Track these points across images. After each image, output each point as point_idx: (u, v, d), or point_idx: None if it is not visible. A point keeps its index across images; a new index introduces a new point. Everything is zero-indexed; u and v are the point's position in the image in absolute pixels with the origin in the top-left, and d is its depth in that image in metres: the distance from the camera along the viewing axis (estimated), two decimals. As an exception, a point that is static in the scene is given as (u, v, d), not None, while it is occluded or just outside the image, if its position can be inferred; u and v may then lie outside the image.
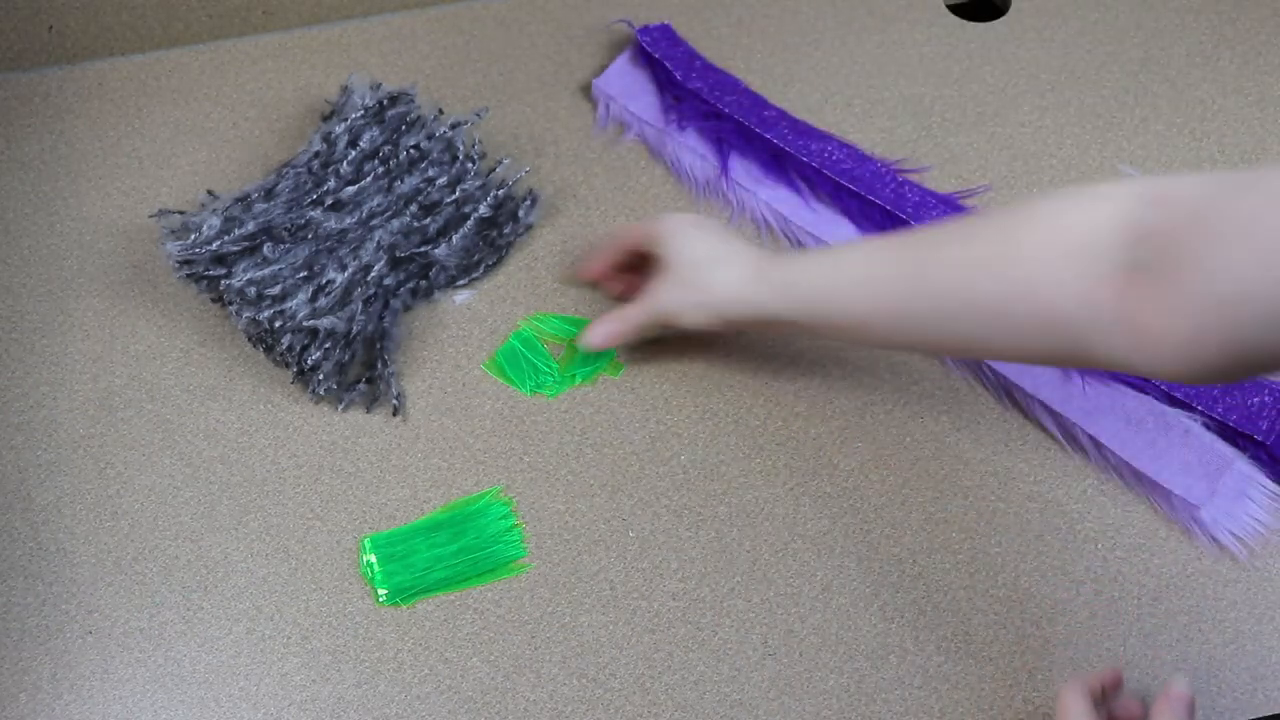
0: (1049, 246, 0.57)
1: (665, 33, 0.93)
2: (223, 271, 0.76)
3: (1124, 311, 0.54)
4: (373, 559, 0.72)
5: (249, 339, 0.79)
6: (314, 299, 0.75)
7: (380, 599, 0.71)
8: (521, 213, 0.84)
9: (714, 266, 0.73)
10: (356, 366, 0.79)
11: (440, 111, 0.87)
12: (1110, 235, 0.55)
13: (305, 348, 0.76)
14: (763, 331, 0.78)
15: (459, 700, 0.68)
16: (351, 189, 0.80)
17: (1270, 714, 0.67)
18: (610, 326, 0.77)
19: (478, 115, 0.85)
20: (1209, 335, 0.50)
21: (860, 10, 0.97)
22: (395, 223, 0.80)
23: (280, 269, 0.76)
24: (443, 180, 0.82)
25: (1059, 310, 0.57)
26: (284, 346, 0.76)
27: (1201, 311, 0.50)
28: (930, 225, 0.66)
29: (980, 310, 0.60)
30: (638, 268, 0.79)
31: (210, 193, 0.84)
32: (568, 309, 0.82)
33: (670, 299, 0.74)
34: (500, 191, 0.83)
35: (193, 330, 0.81)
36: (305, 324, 0.74)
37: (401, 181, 0.81)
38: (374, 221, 0.80)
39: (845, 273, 0.67)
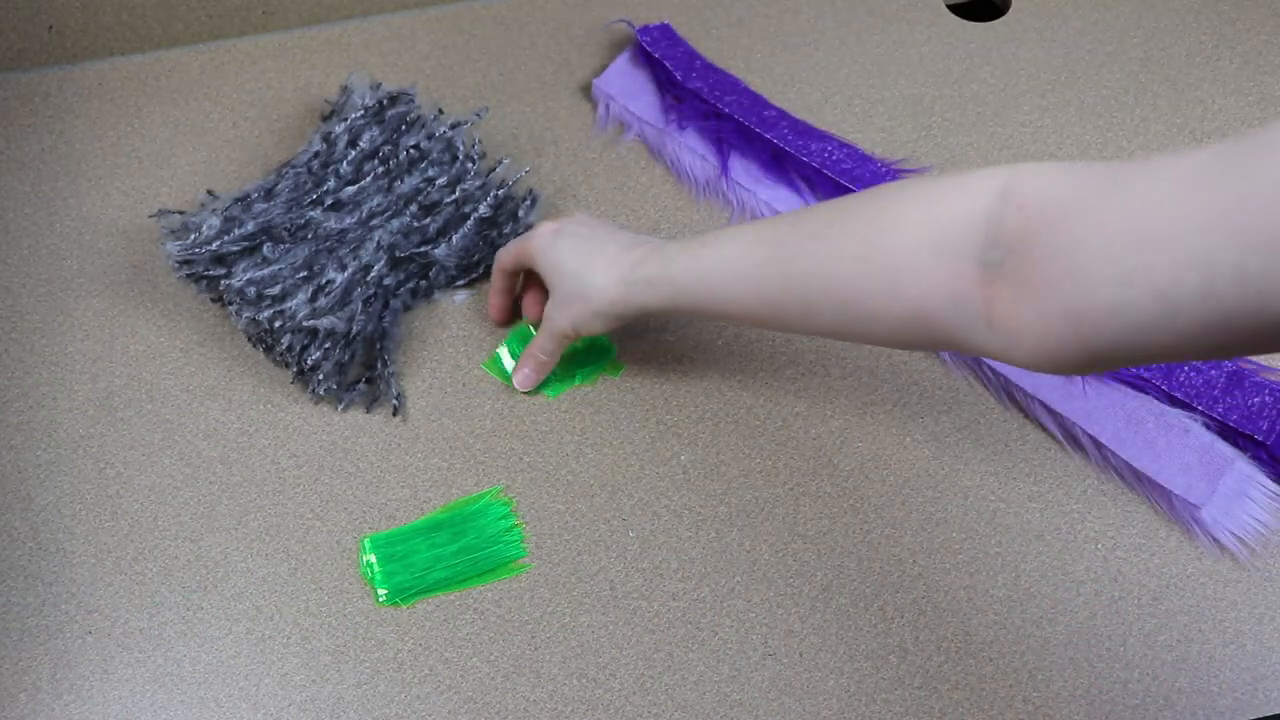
0: (914, 239, 0.57)
1: (665, 32, 0.93)
2: (222, 271, 0.76)
3: (985, 308, 0.54)
4: (372, 559, 0.72)
5: (249, 339, 0.79)
6: (314, 299, 0.75)
7: (380, 599, 0.71)
8: (521, 213, 0.84)
9: (587, 274, 0.72)
10: (356, 366, 0.79)
11: (440, 111, 0.87)
12: (972, 231, 0.54)
13: (305, 348, 0.76)
14: (665, 316, 0.79)
15: (459, 700, 0.68)
16: (351, 189, 0.80)
17: (1271, 714, 0.67)
18: (529, 367, 0.77)
19: (478, 115, 0.85)
20: (1065, 338, 0.50)
21: (860, 10, 0.97)
22: (395, 223, 0.80)
23: (280, 269, 0.76)
24: (443, 180, 0.82)
25: (924, 304, 0.56)
26: (284, 346, 0.76)
27: (1054, 317, 0.50)
28: (805, 209, 0.65)
29: (847, 304, 0.60)
30: (539, 282, 0.80)
31: (210, 193, 0.84)
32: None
33: (564, 317, 0.73)
34: (500, 191, 0.83)
35: (192, 330, 0.81)
36: (305, 324, 0.74)
37: (401, 181, 0.81)
38: (374, 221, 0.80)
39: (714, 266, 0.67)
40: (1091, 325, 0.49)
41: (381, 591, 0.71)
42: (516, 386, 0.78)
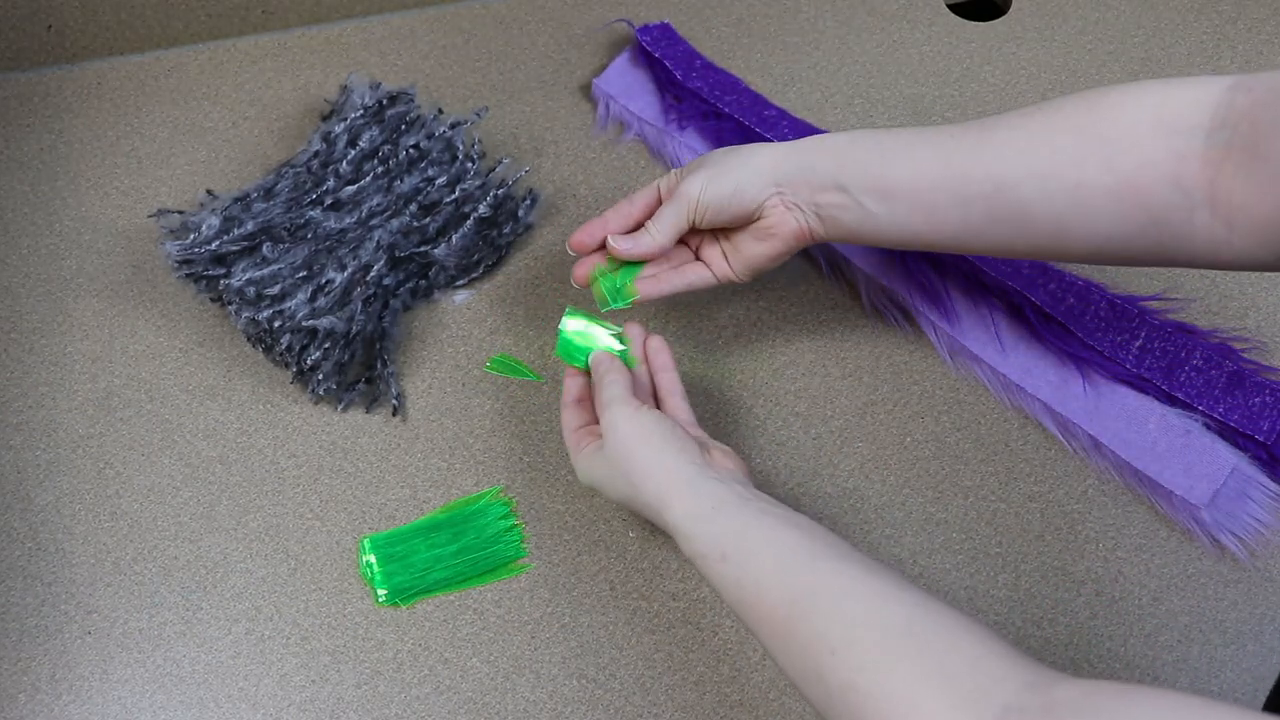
0: (1135, 118, 0.56)
1: (665, 32, 0.93)
2: (222, 271, 0.76)
3: (1210, 189, 0.54)
4: (372, 559, 0.72)
5: (248, 339, 0.79)
6: (313, 299, 0.75)
7: (379, 599, 0.71)
8: (521, 212, 0.84)
9: (751, 149, 0.68)
10: (356, 366, 0.79)
11: (440, 111, 0.87)
12: (1197, 116, 0.55)
13: (305, 348, 0.76)
14: (802, 206, 0.67)
15: (459, 700, 0.68)
16: (351, 189, 0.80)
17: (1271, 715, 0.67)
18: (641, 238, 0.70)
19: (477, 115, 0.85)
20: None
21: (860, 10, 0.97)
22: (395, 222, 0.80)
23: (279, 269, 0.76)
24: (442, 180, 0.82)
25: (1140, 180, 0.56)
26: (283, 346, 0.76)
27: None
28: (999, 116, 0.62)
29: (1049, 177, 0.58)
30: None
31: (209, 192, 0.84)
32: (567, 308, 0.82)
33: (708, 181, 0.67)
34: (500, 191, 0.83)
35: (192, 330, 0.81)
36: (304, 324, 0.74)
37: (401, 181, 0.81)
38: (373, 221, 0.79)
39: (908, 144, 0.63)
40: None
41: (381, 592, 0.71)
42: (615, 248, 0.70)
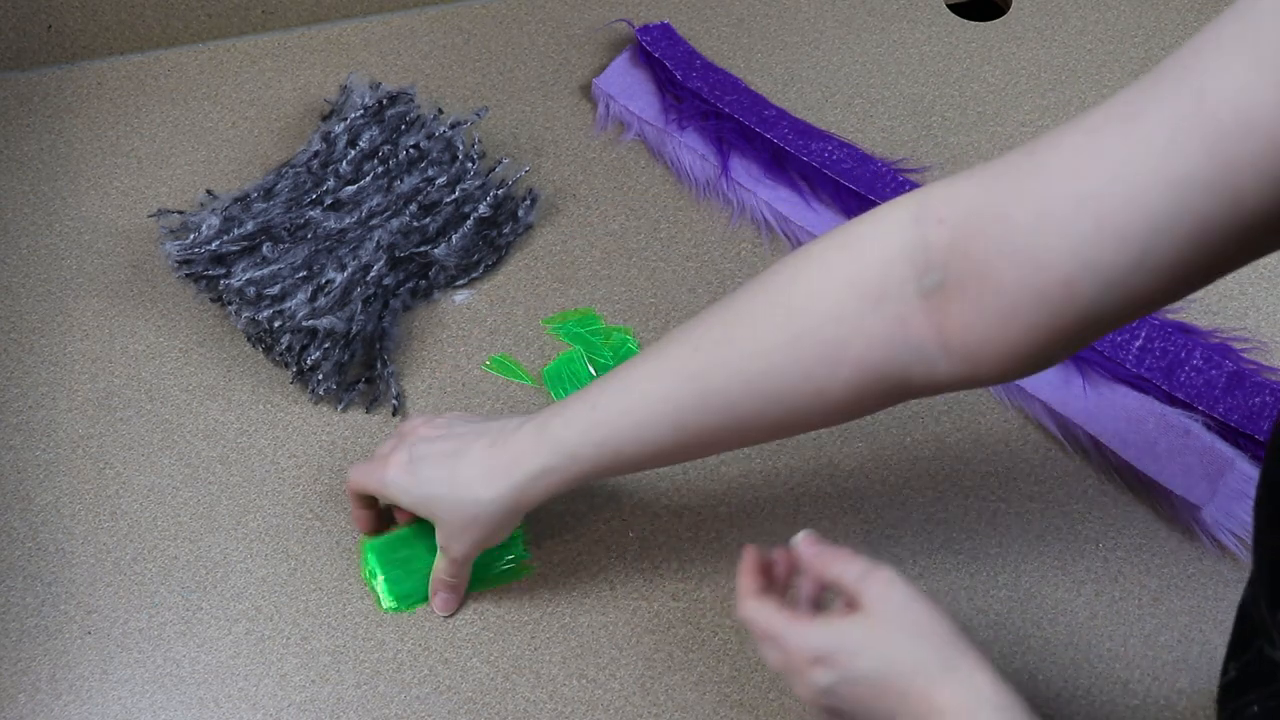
0: (838, 303, 0.53)
1: (665, 32, 0.93)
2: (222, 271, 0.76)
3: (937, 336, 0.51)
4: (375, 569, 0.71)
5: (248, 339, 0.79)
6: (313, 299, 0.75)
7: (384, 607, 0.71)
8: (521, 212, 0.84)
9: (467, 495, 0.63)
10: (356, 366, 0.79)
11: (440, 111, 0.87)
12: (898, 268, 0.51)
13: (304, 348, 0.76)
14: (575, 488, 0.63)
15: (459, 701, 0.68)
16: (351, 189, 0.80)
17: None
18: (445, 592, 0.69)
19: (477, 115, 0.85)
20: (1038, 326, 0.48)
21: (860, 10, 0.97)
22: (395, 222, 0.80)
23: (279, 269, 0.76)
24: (442, 180, 0.82)
25: (870, 362, 0.53)
26: (283, 346, 0.76)
27: (1019, 305, 0.48)
28: (693, 321, 0.58)
29: (781, 396, 0.55)
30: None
31: (209, 192, 0.84)
32: (568, 308, 0.82)
33: (461, 545, 0.65)
34: (500, 191, 0.83)
35: (192, 330, 0.81)
36: (304, 324, 0.74)
37: (401, 181, 0.81)
38: (373, 221, 0.80)
39: (614, 422, 0.59)
40: (1063, 297, 0.47)
41: (386, 600, 0.71)
42: (438, 611, 0.70)
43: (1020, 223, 0.47)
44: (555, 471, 0.61)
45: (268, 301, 0.75)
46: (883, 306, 0.52)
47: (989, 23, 0.97)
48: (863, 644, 0.53)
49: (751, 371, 0.55)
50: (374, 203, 0.80)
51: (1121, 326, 0.56)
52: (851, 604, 0.55)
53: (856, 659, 0.53)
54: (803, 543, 0.58)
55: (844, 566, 0.55)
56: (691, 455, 0.61)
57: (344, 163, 0.81)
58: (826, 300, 0.53)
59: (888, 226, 0.53)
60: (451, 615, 0.70)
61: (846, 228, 0.54)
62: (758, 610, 0.57)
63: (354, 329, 0.76)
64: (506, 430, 0.63)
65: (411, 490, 0.64)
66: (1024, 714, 0.50)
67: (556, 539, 0.73)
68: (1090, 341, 0.51)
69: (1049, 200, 0.47)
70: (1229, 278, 0.81)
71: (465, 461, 0.63)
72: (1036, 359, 0.50)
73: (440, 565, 0.68)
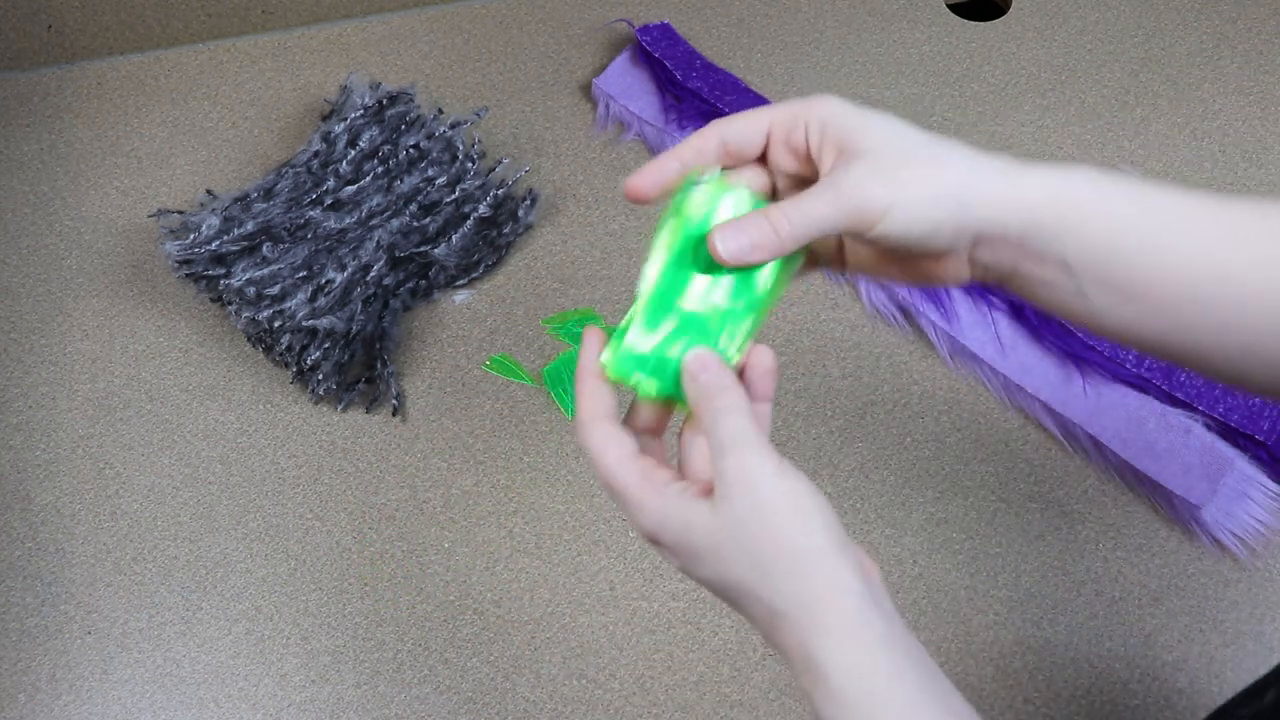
0: None
1: (665, 32, 0.93)
2: (222, 271, 0.76)
3: None
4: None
5: (248, 339, 0.79)
6: (313, 299, 0.75)
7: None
8: (521, 212, 0.84)
9: (944, 147, 0.46)
10: (356, 366, 0.79)
11: (440, 111, 0.87)
12: None
13: (305, 347, 0.76)
14: (997, 269, 0.47)
15: (459, 700, 0.68)
16: (351, 189, 0.80)
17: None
18: (764, 229, 0.46)
19: (477, 115, 0.85)
20: None
21: (860, 10, 0.97)
22: (395, 222, 0.80)
23: (279, 269, 0.76)
24: (442, 180, 0.82)
25: None
26: (283, 346, 0.76)
27: None
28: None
29: None
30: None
31: (209, 192, 0.84)
32: (567, 308, 0.82)
33: (895, 197, 0.44)
34: (500, 191, 0.83)
35: (192, 330, 0.81)
36: (304, 324, 0.74)
37: (401, 181, 0.81)
38: (373, 221, 0.80)
39: (1178, 229, 0.44)
40: None
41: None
42: (720, 244, 0.46)
43: None
44: (1048, 207, 0.45)
45: (268, 301, 0.75)
46: None
47: (989, 23, 0.97)
48: (700, 547, 0.44)
49: None
50: (374, 203, 0.80)
51: None
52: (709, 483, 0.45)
53: (693, 564, 0.44)
54: (755, 360, 0.47)
55: (714, 422, 0.44)
56: (1194, 329, 0.45)
57: (344, 163, 0.81)
58: None
59: None
60: (740, 257, 0.46)
61: None
62: (599, 445, 0.46)
63: (354, 329, 0.76)
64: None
65: (876, 116, 0.47)
66: (894, 673, 0.41)
67: (556, 539, 0.73)
68: None
69: None
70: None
71: (954, 144, 0.47)
72: None
73: (813, 201, 0.45)
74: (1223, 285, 0.44)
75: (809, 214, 0.45)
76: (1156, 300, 0.45)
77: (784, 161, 0.48)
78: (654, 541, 0.45)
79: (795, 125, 0.47)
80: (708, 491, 0.45)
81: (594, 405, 0.47)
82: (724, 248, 0.46)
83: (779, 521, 0.42)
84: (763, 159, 0.49)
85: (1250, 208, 0.45)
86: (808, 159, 0.48)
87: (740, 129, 0.48)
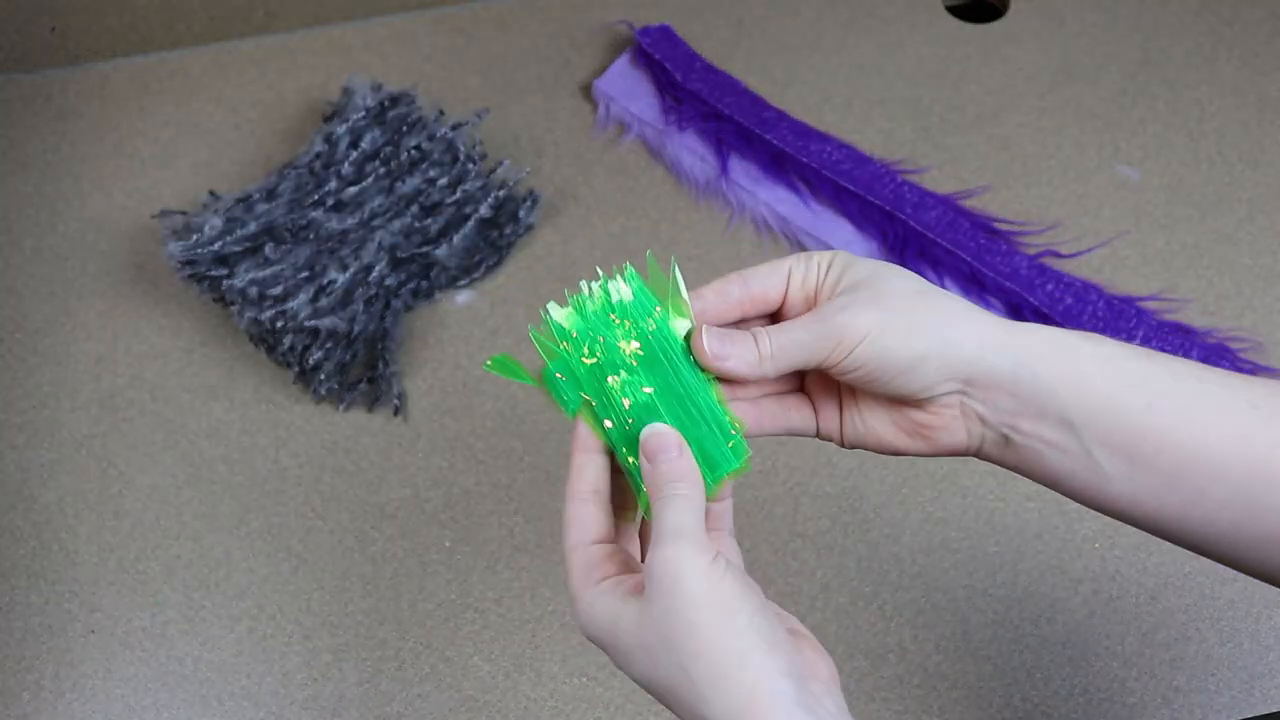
0: None
1: (665, 33, 0.93)
2: (225, 272, 0.77)
3: None
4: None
5: (251, 339, 0.79)
6: (315, 299, 0.75)
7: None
8: (522, 213, 0.85)
9: (950, 307, 0.45)
10: (358, 366, 0.79)
11: (441, 112, 0.87)
12: None
13: (307, 348, 0.76)
14: (996, 425, 0.46)
15: (460, 699, 0.68)
16: (353, 190, 0.80)
17: (1268, 713, 0.67)
18: (747, 348, 0.47)
19: (478, 116, 0.85)
20: None
21: (860, 11, 0.97)
22: (396, 223, 0.80)
23: (282, 269, 0.76)
24: (444, 181, 0.82)
25: None
26: (286, 346, 0.76)
27: None
28: None
29: None
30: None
31: (212, 193, 0.85)
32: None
33: (881, 332, 0.44)
34: (501, 192, 0.83)
35: (195, 330, 0.82)
36: (307, 324, 0.75)
37: (403, 182, 0.82)
38: (375, 222, 0.80)
39: (1190, 391, 0.43)
40: None
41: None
42: (703, 354, 0.47)
43: None
44: (1052, 373, 0.44)
45: (270, 302, 0.75)
46: None
47: (987, 24, 0.97)
48: (628, 645, 0.44)
49: None
50: (376, 204, 0.80)
51: None
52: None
53: (624, 662, 0.44)
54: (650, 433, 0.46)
55: (659, 510, 0.44)
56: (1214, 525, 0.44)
57: (346, 164, 0.81)
58: None
59: None
60: (727, 368, 0.47)
61: None
62: (565, 523, 0.46)
63: (356, 329, 0.76)
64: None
65: (885, 266, 0.48)
66: None
67: (557, 538, 0.73)
68: None
69: None
70: (1225, 278, 0.82)
71: (944, 295, 0.47)
72: None
73: (800, 327, 0.47)
74: (1248, 460, 0.41)
75: (790, 333, 0.46)
76: (1170, 469, 0.42)
77: (797, 307, 0.48)
78: (588, 637, 0.45)
79: (811, 264, 0.47)
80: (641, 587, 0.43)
81: (575, 480, 0.47)
82: (710, 350, 0.46)
83: (703, 620, 0.41)
84: (775, 315, 0.49)
85: (1265, 386, 0.43)
86: (816, 300, 0.48)
87: (763, 273, 0.48)
